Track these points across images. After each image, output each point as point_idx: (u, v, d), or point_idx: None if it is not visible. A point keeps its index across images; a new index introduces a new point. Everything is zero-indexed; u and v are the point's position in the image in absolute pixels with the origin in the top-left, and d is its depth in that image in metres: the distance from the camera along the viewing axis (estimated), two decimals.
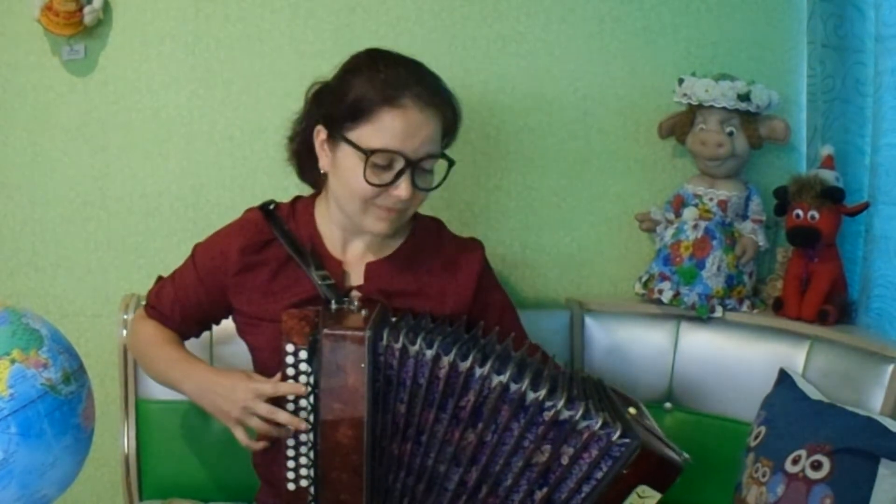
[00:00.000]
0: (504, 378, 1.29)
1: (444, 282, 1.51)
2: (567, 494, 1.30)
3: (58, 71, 1.84)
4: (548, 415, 1.28)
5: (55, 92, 1.85)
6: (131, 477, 1.76)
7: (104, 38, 1.84)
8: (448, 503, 1.34)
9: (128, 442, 1.76)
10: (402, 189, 1.39)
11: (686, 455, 1.31)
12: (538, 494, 1.31)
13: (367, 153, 1.37)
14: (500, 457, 1.31)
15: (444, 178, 1.45)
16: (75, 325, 1.88)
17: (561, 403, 1.28)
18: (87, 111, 1.86)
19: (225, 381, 1.41)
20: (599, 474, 1.28)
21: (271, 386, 1.36)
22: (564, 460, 1.29)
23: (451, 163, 1.46)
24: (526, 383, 1.29)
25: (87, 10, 1.77)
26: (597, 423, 1.27)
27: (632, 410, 1.37)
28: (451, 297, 1.51)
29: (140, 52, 1.85)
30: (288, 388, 1.35)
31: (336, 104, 1.42)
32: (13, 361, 1.06)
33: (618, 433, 1.26)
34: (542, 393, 1.28)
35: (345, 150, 1.41)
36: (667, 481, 1.28)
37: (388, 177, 1.39)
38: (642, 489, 1.27)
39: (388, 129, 1.37)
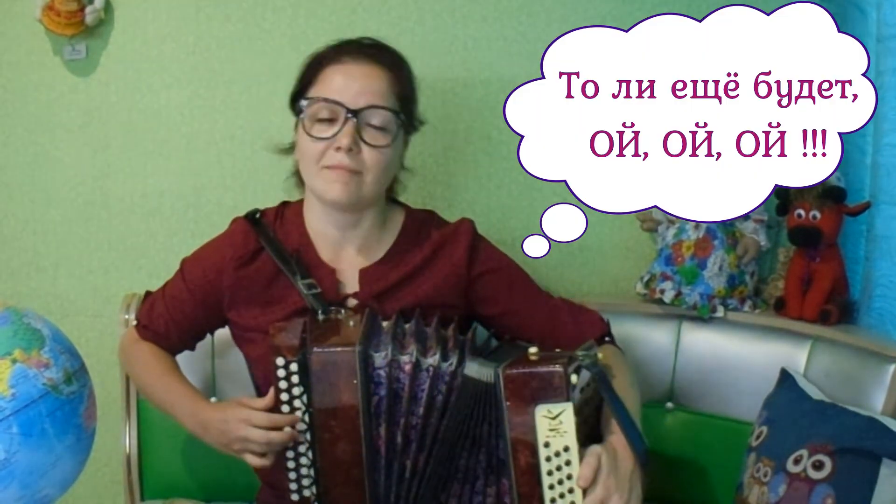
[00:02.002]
0: None
1: (434, 266, 1.49)
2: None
3: (59, 71, 1.84)
4: None
5: (56, 92, 1.85)
6: (133, 477, 1.76)
7: (105, 37, 1.84)
8: None
9: (129, 442, 1.76)
10: (343, 136, 1.38)
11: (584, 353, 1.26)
12: None
13: (306, 105, 1.41)
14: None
15: (406, 143, 1.48)
16: (77, 325, 1.88)
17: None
18: (88, 111, 1.86)
19: (220, 414, 1.39)
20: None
21: (267, 419, 1.33)
22: None
23: (404, 125, 1.45)
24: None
25: (88, 9, 1.77)
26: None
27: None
28: (442, 277, 1.48)
29: (141, 52, 1.85)
30: (283, 420, 1.33)
31: (296, 85, 1.47)
32: (14, 361, 1.06)
33: None
34: None
35: (299, 122, 1.44)
36: (553, 385, 1.20)
37: (332, 130, 1.39)
38: (545, 410, 1.20)
39: (327, 82, 1.42)
